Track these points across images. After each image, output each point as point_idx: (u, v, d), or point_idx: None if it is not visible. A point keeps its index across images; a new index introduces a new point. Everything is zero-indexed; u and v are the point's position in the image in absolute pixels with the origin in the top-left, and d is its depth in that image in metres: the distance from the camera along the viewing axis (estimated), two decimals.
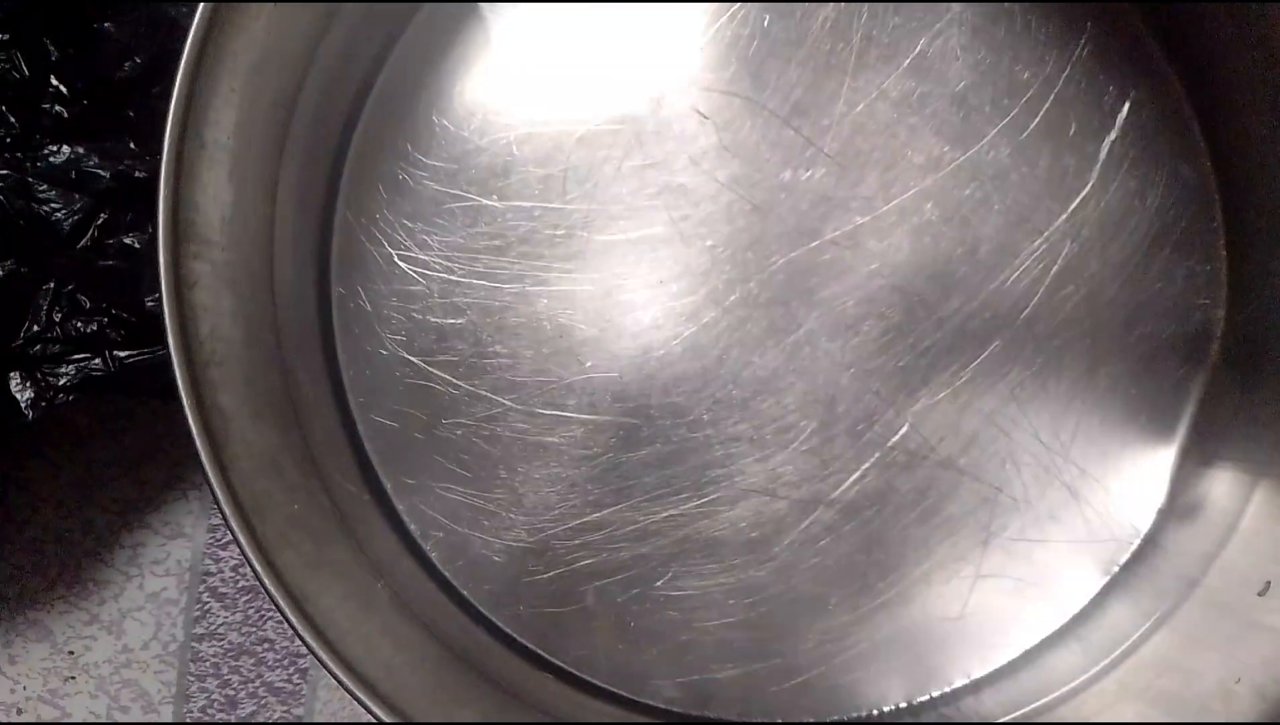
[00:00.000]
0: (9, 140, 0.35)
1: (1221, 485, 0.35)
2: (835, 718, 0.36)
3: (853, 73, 0.36)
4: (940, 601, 0.36)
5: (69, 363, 0.35)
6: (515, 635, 0.35)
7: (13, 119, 0.35)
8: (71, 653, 0.39)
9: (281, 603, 0.28)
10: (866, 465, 0.36)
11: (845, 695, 0.36)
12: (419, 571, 0.35)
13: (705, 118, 0.36)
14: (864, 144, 0.36)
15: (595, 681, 0.35)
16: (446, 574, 0.36)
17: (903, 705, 0.36)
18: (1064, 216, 0.36)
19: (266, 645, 0.39)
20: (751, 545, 0.35)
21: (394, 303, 0.36)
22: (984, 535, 0.36)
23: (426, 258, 0.36)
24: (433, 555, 0.36)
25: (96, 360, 0.35)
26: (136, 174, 0.36)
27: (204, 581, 0.39)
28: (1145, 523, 0.36)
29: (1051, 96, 0.36)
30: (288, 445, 0.33)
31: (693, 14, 0.36)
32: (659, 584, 0.35)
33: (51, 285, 0.35)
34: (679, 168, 0.35)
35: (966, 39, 0.36)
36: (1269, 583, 0.33)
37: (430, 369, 0.36)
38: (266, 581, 0.28)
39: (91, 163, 0.35)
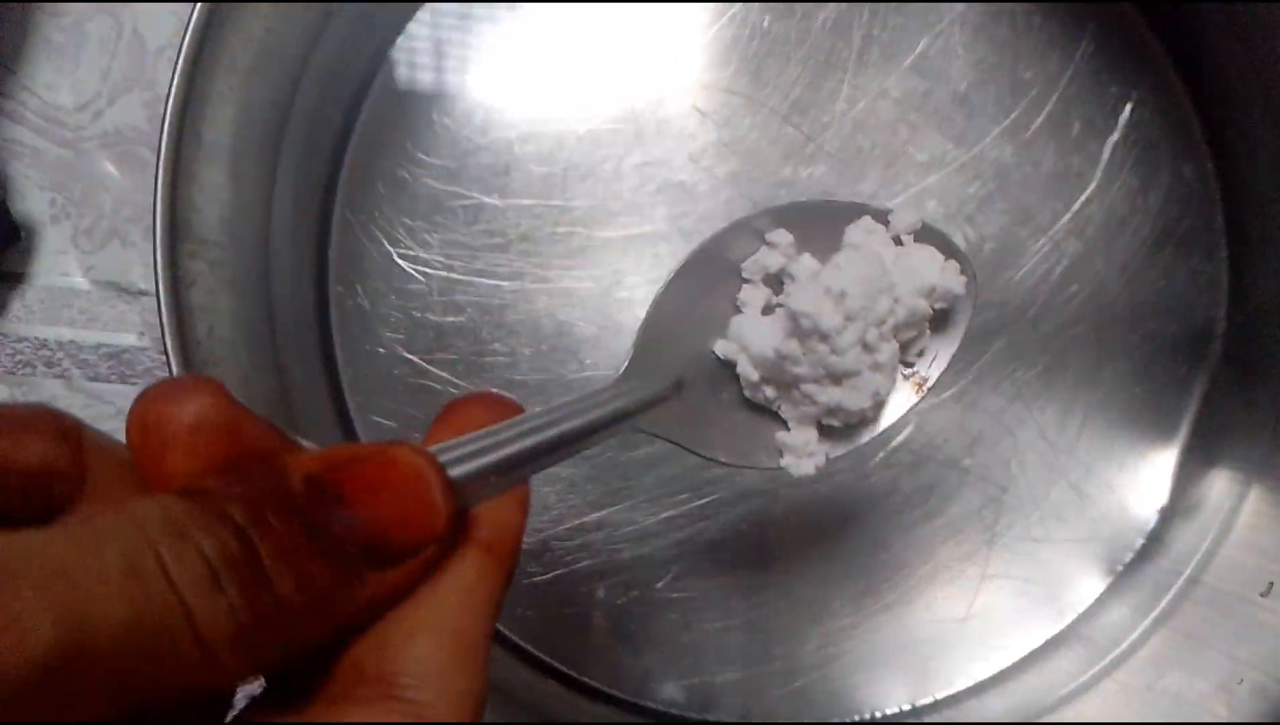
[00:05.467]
0: None
1: (1223, 485, 0.35)
2: (837, 720, 0.35)
3: (853, 71, 0.36)
4: (945, 603, 0.35)
5: None
6: (514, 638, 0.35)
7: None
8: None
9: None
10: (871, 465, 0.35)
11: (847, 698, 0.35)
12: None
13: (705, 115, 0.35)
14: (865, 141, 0.35)
15: (595, 684, 0.35)
16: None
17: (906, 708, 0.36)
18: (1068, 216, 0.36)
19: None
20: (752, 545, 0.35)
21: (393, 301, 0.35)
22: (989, 535, 0.36)
23: (426, 256, 0.35)
24: None
25: None
26: None
27: None
28: (1149, 522, 0.36)
29: (1055, 96, 0.36)
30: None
31: (693, 14, 0.36)
32: (659, 585, 0.35)
33: None
34: (679, 165, 0.35)
35: (968, 38, 0.36)
36: (1271, 583, 0.33)
37: (429, 367, 0.35)
38: None
39: None
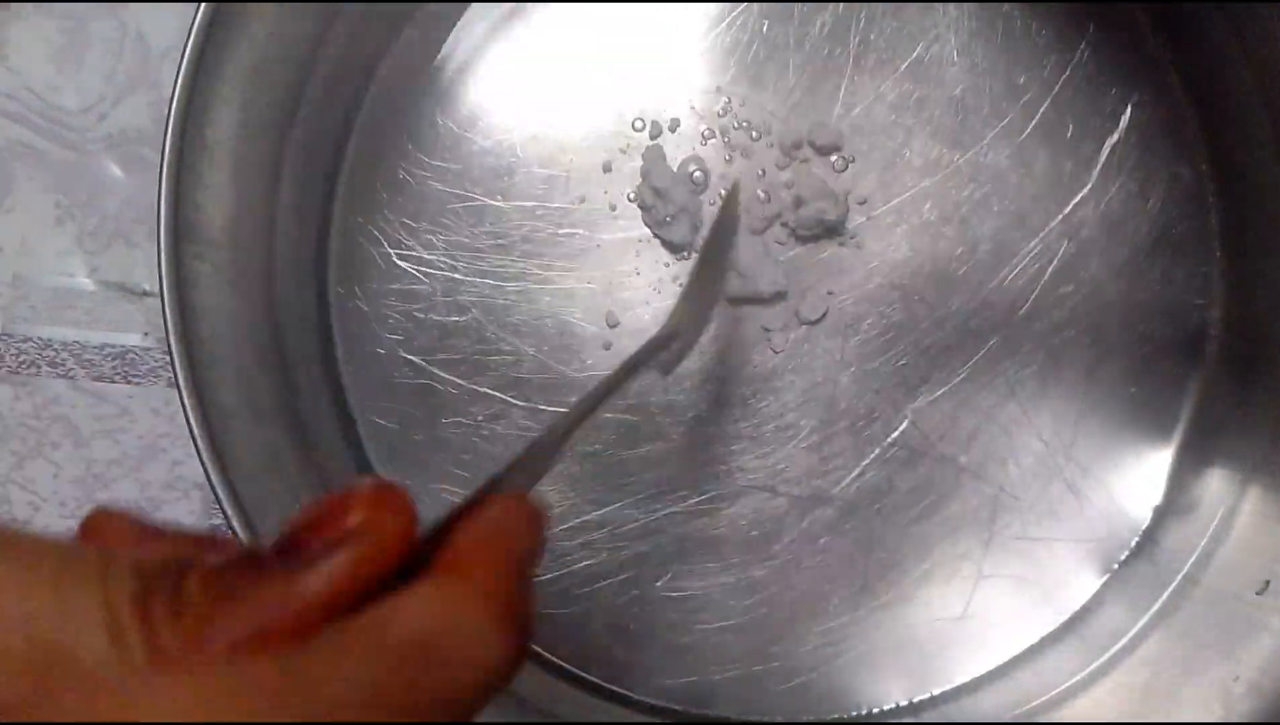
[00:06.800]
0: None
1: (1220, 484, 0.35)
2: (835, 716, 0.36)
3: (850, 75, 0.36)
4: (941, 600, 0.36)
5: None
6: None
7: None
8: None
9: None
10: (866, 462, 0.36)
11: (846, 695, 0.36)
12: None
13: (703, 118, 0.36)
14: (862, 144, 0.36)
15: (596, 681, 0.35)
16: None
17: (903, 704, 0.36)
18: (1061, 217, 0.36)
19: None
20: (751, 544, 0.35)
21: (394, 302, 0.36)
22: (985, 534, 0.36)
23: (429, 257, 0.36)
24: None
25: None
26: None
27: None
28: (1144, 521, 0.36)
29: (1049, 99, 0.36)
30: (288, 445, 0.33)
31: (693, 17, 0.36)
32: (659, 584, 0.35)
33: None
34: (679, 167, 0.36)
35: (964, 42, 0.36)
36: (1268, 582, 0.33)
37: (431, 368, 0.36)
38: None
39: None
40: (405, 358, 0.36)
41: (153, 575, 0.14)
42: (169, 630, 0.14)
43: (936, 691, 0.36)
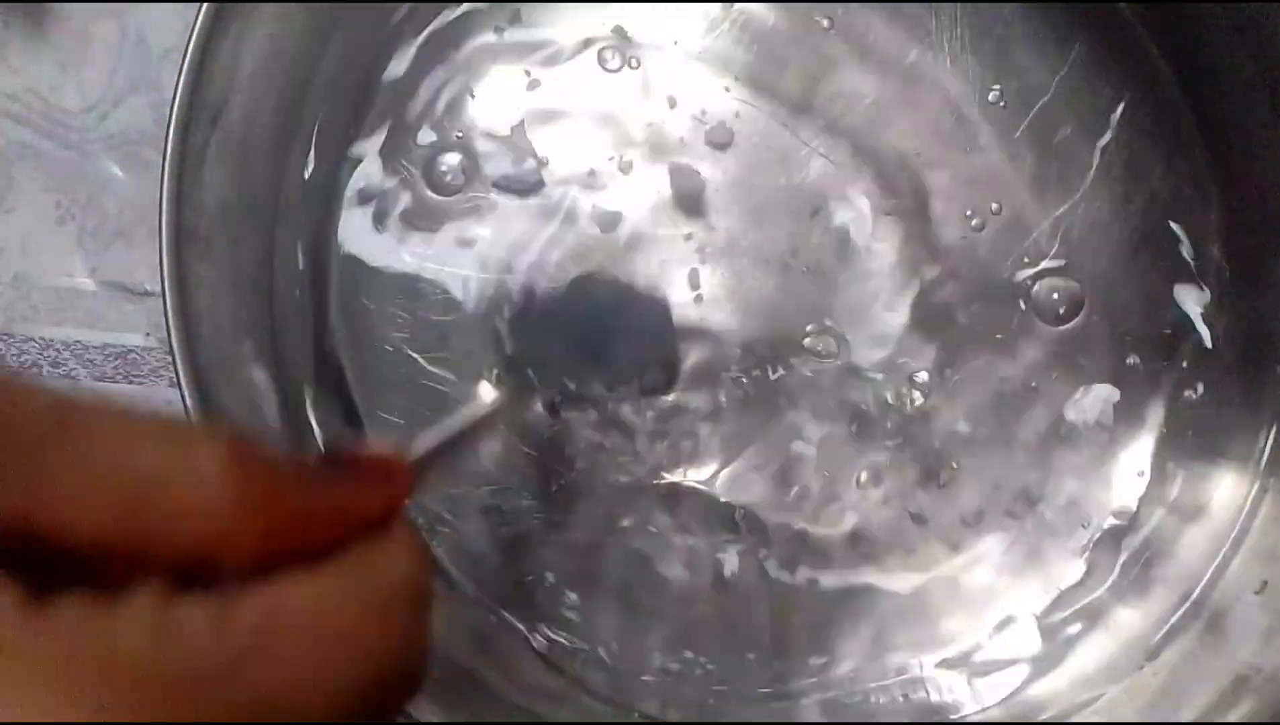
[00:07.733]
0: None
1: (1218, 483, 0.36)
2: (832, 721, 0.36)
3: (848, 76, 0.36)
4: (935, 594, 0.36)
5: None
6: (521, 629, 0.35)
7: None
8: None
9: None
10: (860, 461, 0.36)
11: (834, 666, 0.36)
12: None
13: (702, 121, 0.36)
14: (860, 146, 0.36)
15: (596, 677, 0.35)
16: (452, 569, 0.36)
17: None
18: (1057, 215, 0.36)
19: None
20: (751, 534, 0.35)
21: (398, 301, 0.36)
22: (976, 530, 0.36)
23: (432, 256, 0.36)
24: (438, 550, 0.36)
25: None
26: None
27: None
28: (1141, 522, 0.36)
29: (1046, 98, 0.36)
30: (291, 444, 0.33)
31: (691, 16, 0.36)
32: (657, 574, 0.35)
33: None
34: (679, 170, 0.36)
35: (962, 42, 0.36)
36: (1265, 582, 0.33)
37: (432, 368, 0.36)
38: None
39: None
40: (408, 356, 0.36)
41: (246, 444, 0.16)
42: (256, 485, 0.16)
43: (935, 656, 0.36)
